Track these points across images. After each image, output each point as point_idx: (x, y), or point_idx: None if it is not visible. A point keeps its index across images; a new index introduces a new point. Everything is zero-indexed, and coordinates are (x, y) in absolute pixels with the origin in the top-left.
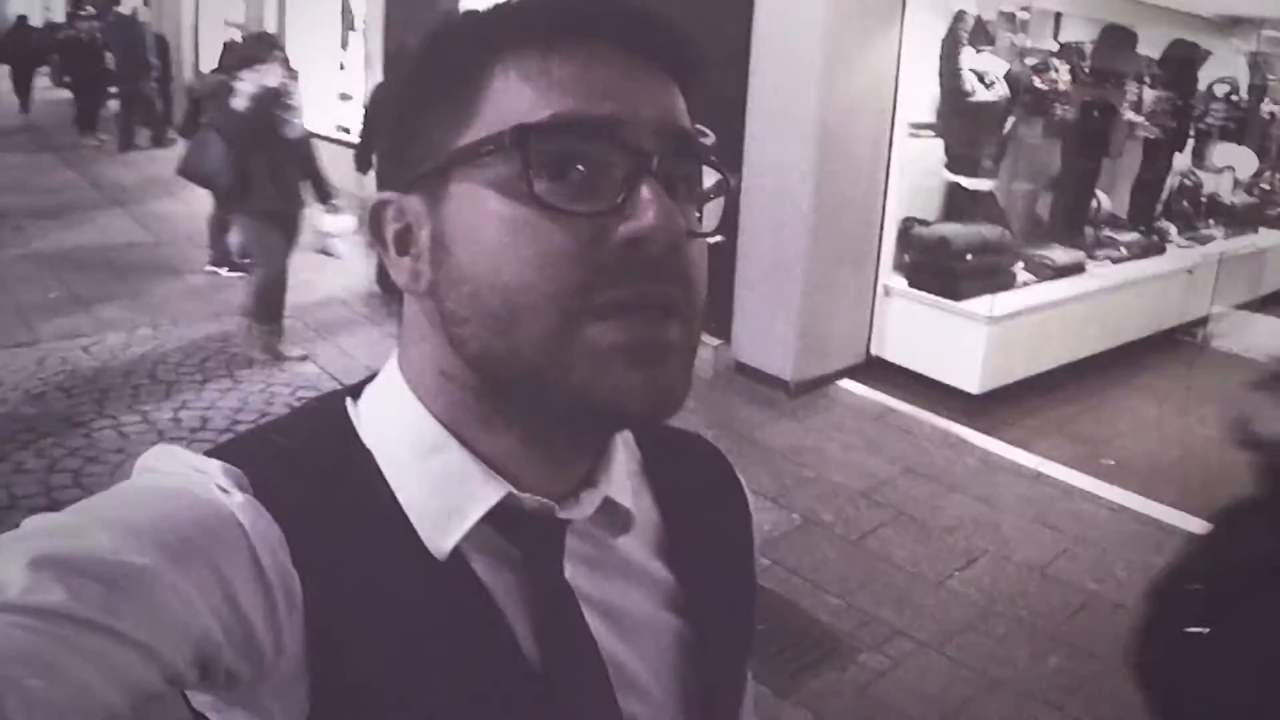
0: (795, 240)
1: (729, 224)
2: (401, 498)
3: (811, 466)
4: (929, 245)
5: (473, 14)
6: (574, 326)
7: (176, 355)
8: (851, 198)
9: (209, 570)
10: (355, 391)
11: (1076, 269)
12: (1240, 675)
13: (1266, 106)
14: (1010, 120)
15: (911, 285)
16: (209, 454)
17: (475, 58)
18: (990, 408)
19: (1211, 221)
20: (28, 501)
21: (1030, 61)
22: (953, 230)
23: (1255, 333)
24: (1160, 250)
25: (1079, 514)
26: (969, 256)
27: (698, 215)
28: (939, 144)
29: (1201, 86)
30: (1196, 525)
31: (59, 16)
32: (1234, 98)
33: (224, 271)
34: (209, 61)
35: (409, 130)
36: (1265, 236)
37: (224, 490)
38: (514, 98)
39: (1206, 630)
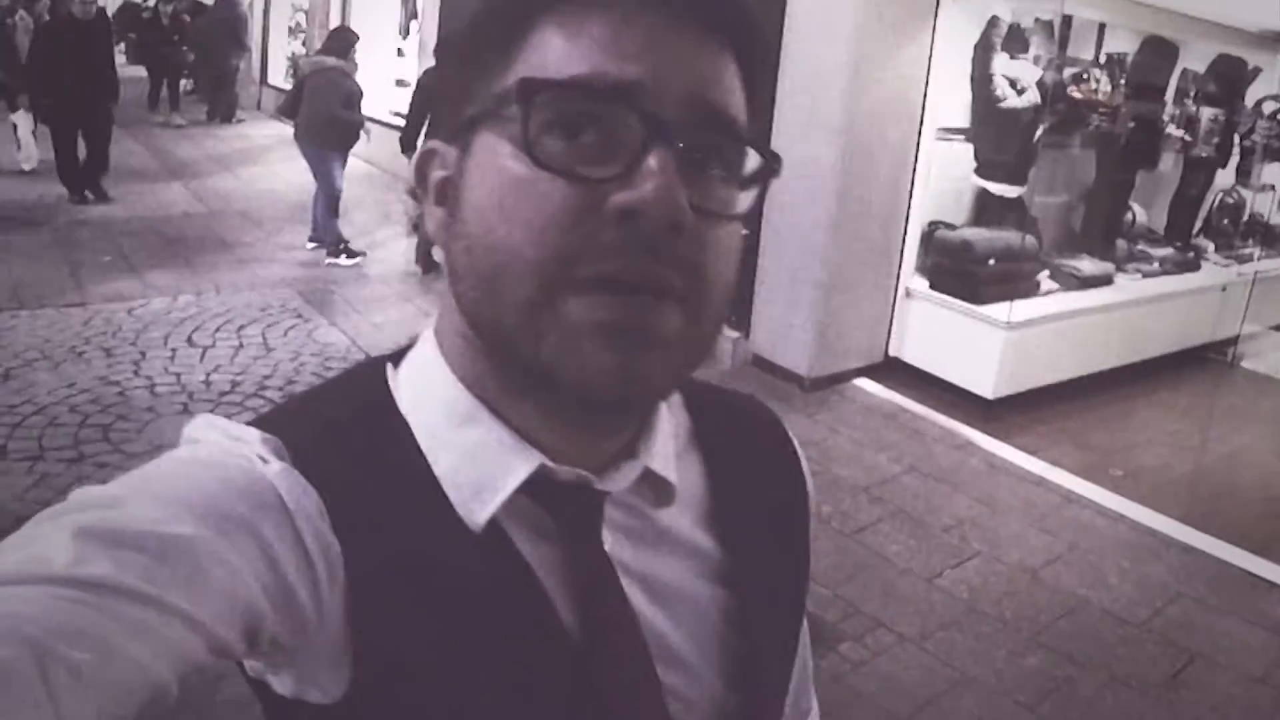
0: (818, 238)
1: (753, 217)
2: (437, 470)
3: (817, 460)
4: (951, 249)
5: None
6: (551, 297)
7: (215, 322)
8: (876, 199)
9: (251, 539)
10: (397, 358)
11: (1104, 280)
12: None
13: None
14: (1041, 128)
15: (933, 288)
16: (250, 423)
17: (524, 8)
18: (1004, 413)
19: (1251, 241)
20: (55, 454)
21: (1070, 71)
22: (976, 235)
23: None
24: (1195, 267)
25: (1078, 521)
26: (991, 262)
27: (727, 196)
28: (969, 149)
29: (1250, 103)
30: (1198, 539)
31: None
32: None
33: (343, 260)
34: (278, 44)
35: (458, 81)
36: None
37: (263, 459)
38: (545, 53)
39: None
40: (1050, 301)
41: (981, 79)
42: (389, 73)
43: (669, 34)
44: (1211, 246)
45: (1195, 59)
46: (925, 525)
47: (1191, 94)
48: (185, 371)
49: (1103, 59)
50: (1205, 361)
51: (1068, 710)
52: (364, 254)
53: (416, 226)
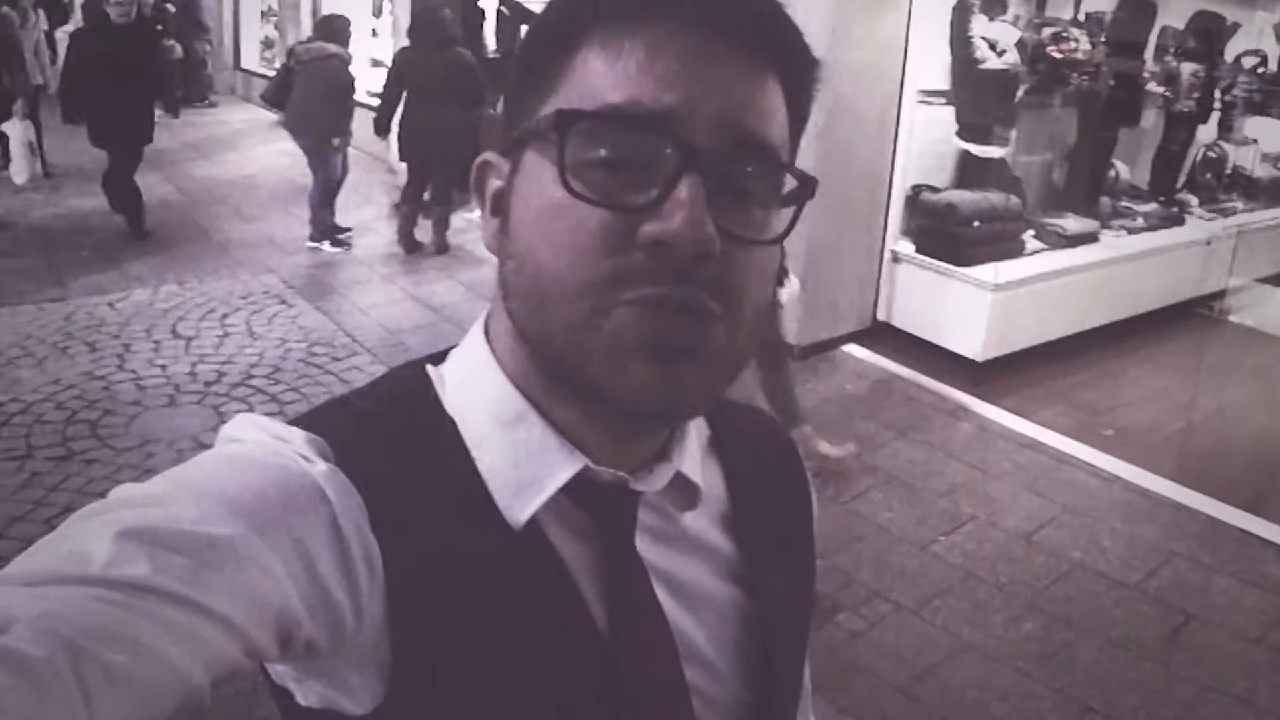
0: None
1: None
2: (481, 467)
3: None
4: (936, 211)
5: None
6: (596, 319)
7: (198, 311)
8: (859, 164)
9: (290, 540)
10: (437, 358)
11: (1089, 238)
12: None
13: None
14: (1021, 89)
15: (919, 251)
16: (291, 423)
17: (569, 28)
18: (993, 375)
19: (1235, 194)
20: (44, 451)
21: (1049, 31)
22: (960, 197)
23: (1274, 307)
24: (1180, 222)
25: (1071, 483)
26: (976, 223)
27: (762, 220)
28: (951, 111)
29: (1230, 59)
30: (1190, 497)
31: None
32: (1262, 70)
33: (326, 246)
34: (250, 27)
35: (514, 96)
36: None
37: (307, 459)
38: (587, 75)
39: None
40: (1036, 261)
41: (960, 41)
42: (364, 53)
43: (706, 57)
44: (1195, 201)
45: (1174, 16)
46: (918, 492)
47: (1171, 50)
48: (171, 363)
49: (1081, 18)
50: (1192, 316)
51: (1066, 674)
52: (349, 246)
53: (398, 207)
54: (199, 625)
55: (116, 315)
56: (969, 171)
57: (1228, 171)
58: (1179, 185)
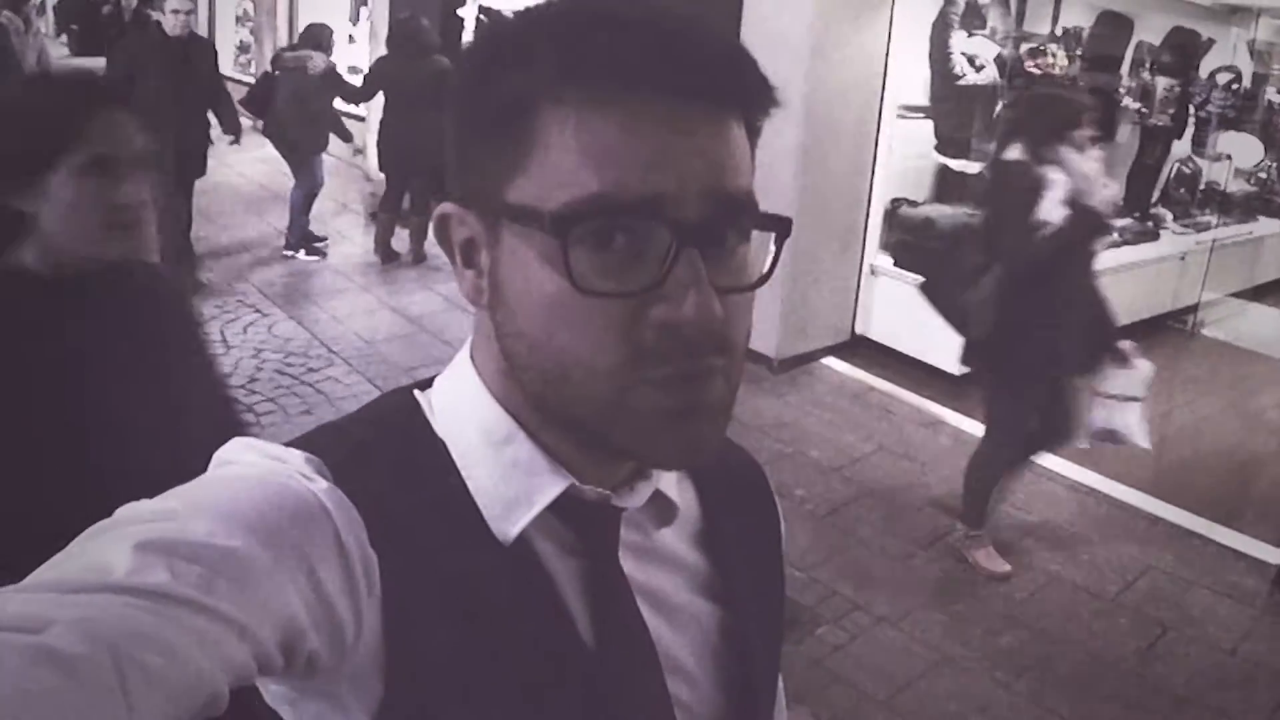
0: None
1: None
2: (471, 486)
3: (789, 442)
4: (914, 226)
5: (521, 39)
6: (624, 395)
7: None
8: (838, 178)
9: (296, 555)
10: (423, 385)
11: None
12: None
13: (1269, 95)
14: (1000, 104)
15: (897, 265)
16: (287, 444)
17: (524, 92)
18: (970, 388)
19: (1209, 209)
20: None
21: (1027, 46)
22: (938, 211)
23: (1247, 321)
24: (1154, 236)
25: (1048, 496)
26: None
27: (745, 261)
28: (930, 126)
29: (1204, 74)
30: (1165, 510)
31: None
32: (1235, 86)
33: (301, 254)
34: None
35: (465, 149)
36: (1264, 225)
37: (307, 478)
38: (563, 157)
39: None
40: None
41: (940, 57)
42: (341, 60)
43: (684, 128)
44: (1170, 216)
45: (1150, 31)
46: (897, 505)
47: (1147, 66)
48: None
49: (1059, 33)
50: (1166, 330)
51: (1044, 686)
52: (325, 255)
53: (374, 216)
54: (216, 632)
55: None
56: (948, 186)
57: (1201, 187)
58: (1154, 200)
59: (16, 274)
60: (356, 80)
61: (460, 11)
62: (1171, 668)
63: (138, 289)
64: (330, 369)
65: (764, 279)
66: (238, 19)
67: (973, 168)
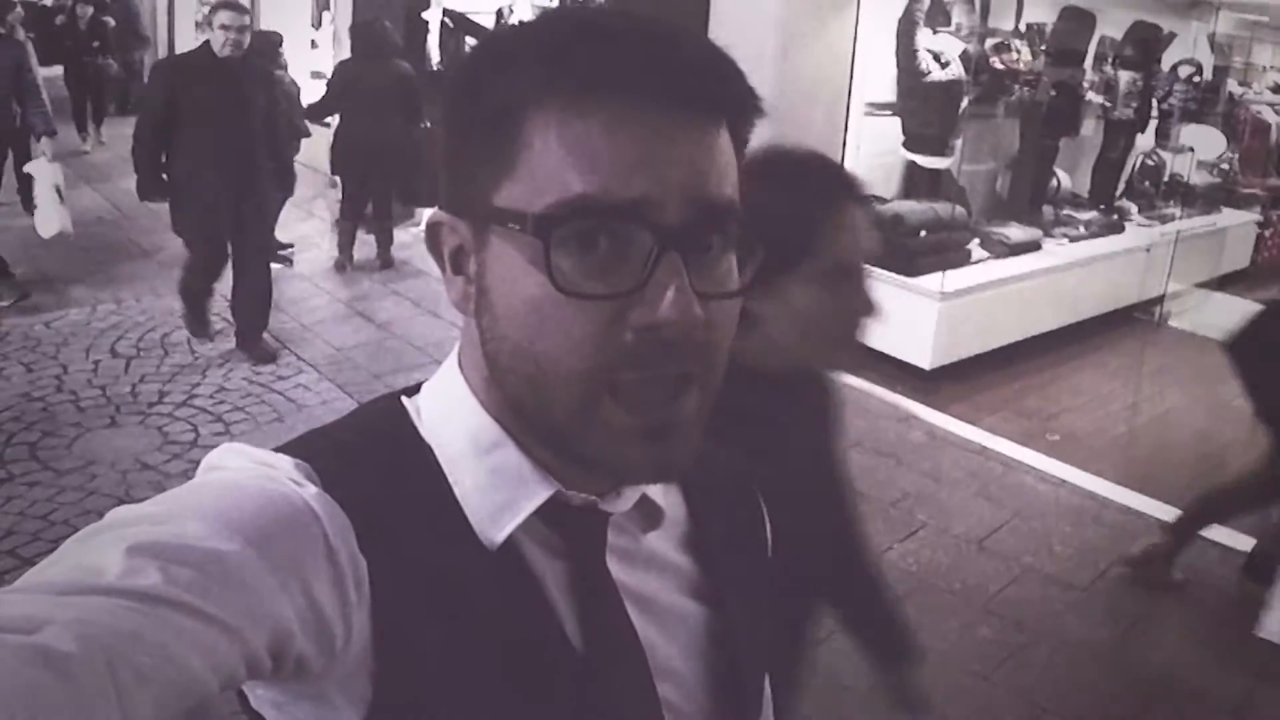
0: None
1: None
2: (458, 492)
3: None
4: (883, 222)
5: (508, 49)
6: (595, 403)
7: (138, 331)
8: None
9: (286, 559)
10: (410, 391)
11: (1032, 246)
12: None
13: (1230, 87)
14: (965, 100)
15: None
16: (276, 450)
17: (511, 99)
18: (942, 383)
19: (1172, 201)
20: None
21: (992, 42)
22: (907, 207)
23: (1212, 311)
24: (1119, 229)
25: (1020, 488)
26: (923, 233)
27: (729, 268)
28: (897, 123)
29: (1166, 68)
30: (1136, 500)
31: None
32: (1196, 79)
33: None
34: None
35: (455, 158)
36: (1227, 216)
37: (296, 483)
38: (548, 162)
39: None
40: (981, 270)
41: (906, 54)
42: (304, 65)
43: (666, 133)
44: (1134, 208)
45: (1112, 26)
46: (872, 500)
47: (1110, 60)
48: (110, 383)
49: (1023, 28)
50: (1133, 321)
51: (1021, 677)
52: (291, 262)
53: (338, 222)
54: (208, 633)
55: (53, 335)
56: (915, 182)
57: (1165, 179)
58: (1118, 193)
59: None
60: (319, 86)
61: (424, 15)
62: (1146, 655)
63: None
64: (300, 376)
65: (748, 286)
66: (197, 25)
67: (940, 163)
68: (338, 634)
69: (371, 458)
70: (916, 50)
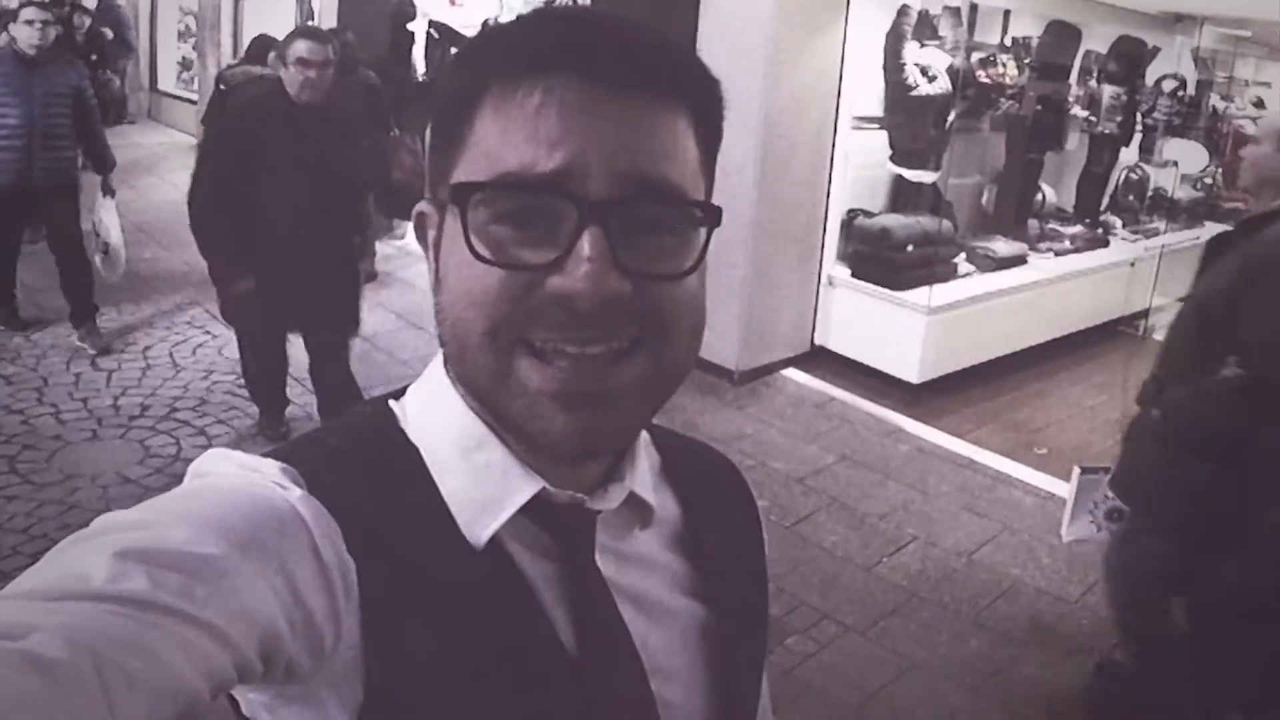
0: (739, 232)
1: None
2: (444, 491)
3: (751, 454)
4: (870, 236)
5: (478, 40)
6: (508, 361)
7: (118, 343)
8: (795, 190)
9: (274, 562)
10: (397, 394)
11: (1018, 261)
12: None
13: (1213, 102)
14: (952, 114)
15: (854, 276)
16: (263, 455)
17: (470, 86)
18: (929, 397)
19: (1156, 215)
20: None
21: (978, 56)
22: (894, 221)
23: None
24: (1104, 243)
25: (1007, 501)
26: (910, 247)
27: (676, 251)
28: (884, 136)
29: (1150, 82)
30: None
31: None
32: (1181, 93)
33: None
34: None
35: (433, 153)
36: (1210, 230)
37: (282, 486)
38: (485, 142)
39: None
40: (968, 284)
41: (893, 67)
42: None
43: (593, 108)
44: (1119, 223)
45: (1097, 40)
46: (861, 514)
47: (1095, 74)
48: (91, 396)
49: (1009, 43)
50: (1118, 335)
51: (1011, 690)
52: None
53: None
54: (196, 637)
55: (32, 348)
56: (902, 196)
57: (1149, 193)
58: (1103, 207)
59: None
60: None
61: (410, 26)
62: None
63: None
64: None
65: (691, 269)
66: (180, 34)
67: (927, 177)
68: (327, 636)
69: (357, 461)
70: (904, 64)
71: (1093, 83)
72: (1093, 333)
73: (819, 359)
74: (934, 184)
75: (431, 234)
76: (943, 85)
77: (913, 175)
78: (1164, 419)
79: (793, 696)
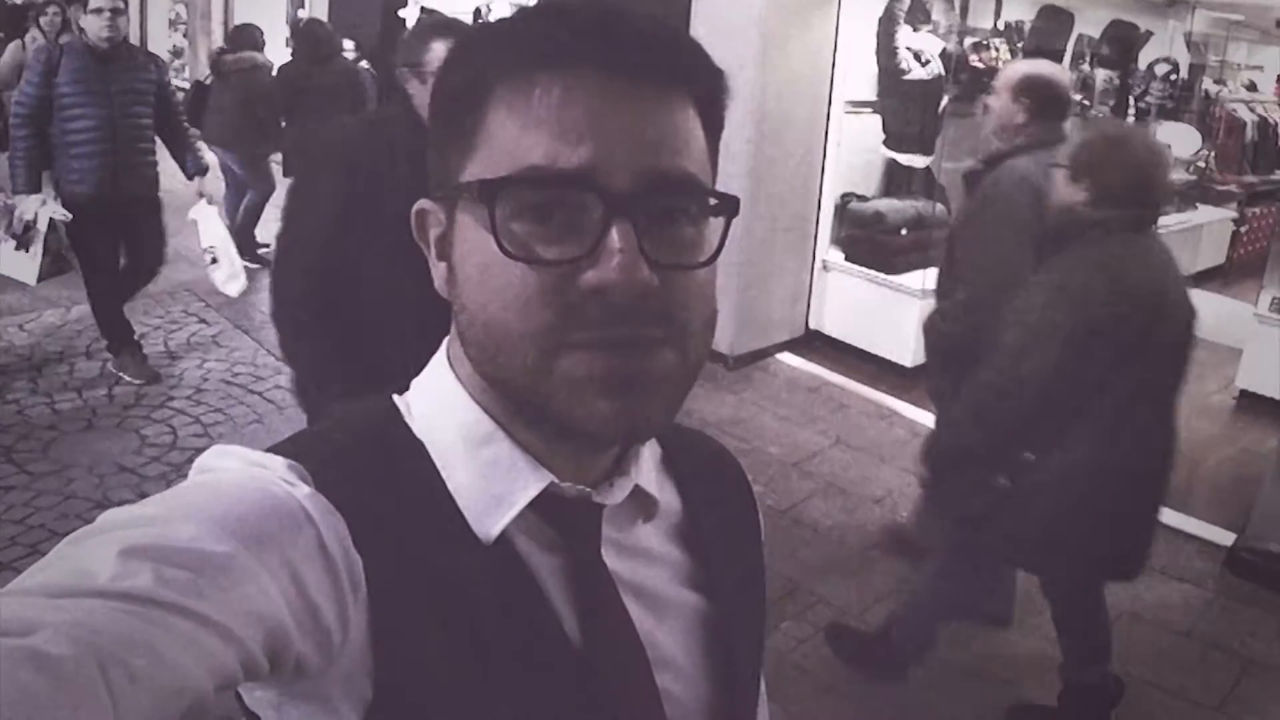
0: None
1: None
2: (451, 486)
3: (747, 439)
4: (864, 220)
5: (481, 32)
6: (550, 360)
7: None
8: (789, 175)
9: (280, 559)
10: (401, 388)
11: None
12: None
13: (1205, 86)
14: (946, 98)
15: (848, 260)
16: (268, 450)
17: (477, 81)
18: (923, 380)
19: None
20: None
21: (971, 40)
22: (887, 205)
23: None
24: None
25: None
26: (903, 231)
27: (696, 241)
28: (878, 120)
29: (1143, 66)
30: None
31: None
32: (1173, 77)
33: (246, 262)
34: (159, 37)
35: (436, 144)
36: (1203, 213)
37: (289, 483)
38: (504, 138)
39: None
40: None
41: (886, 52)
42: (279, 61)
43: (615, 103)
44: None
45: (1090, 24)
46: (856, 497)
47: (1087, 58)
48: (86, 386)
49: (1001, 27)
50: None
51: (1006, 672)
52: (267, 263)
53: None
54: (202, 635)
55: (27, 337)
56: (896, 180)
57: None
58: None
59: None
60: None
61: (401, 13)
62: (1129, 652)
63: None
64: (278, 377)
65: (712, 258)
66: (170, 23)
67: (920, 161)
68: (335, 633)
69: (364, 456)
70: (897, 48)
71: (1085, 67)
72: None
73: (813, 343)
74: (927, 168)
75: (435, 232)
76: (936, 69)
77: (906, 159)
78: (924, 335)
79: (788, 681)
